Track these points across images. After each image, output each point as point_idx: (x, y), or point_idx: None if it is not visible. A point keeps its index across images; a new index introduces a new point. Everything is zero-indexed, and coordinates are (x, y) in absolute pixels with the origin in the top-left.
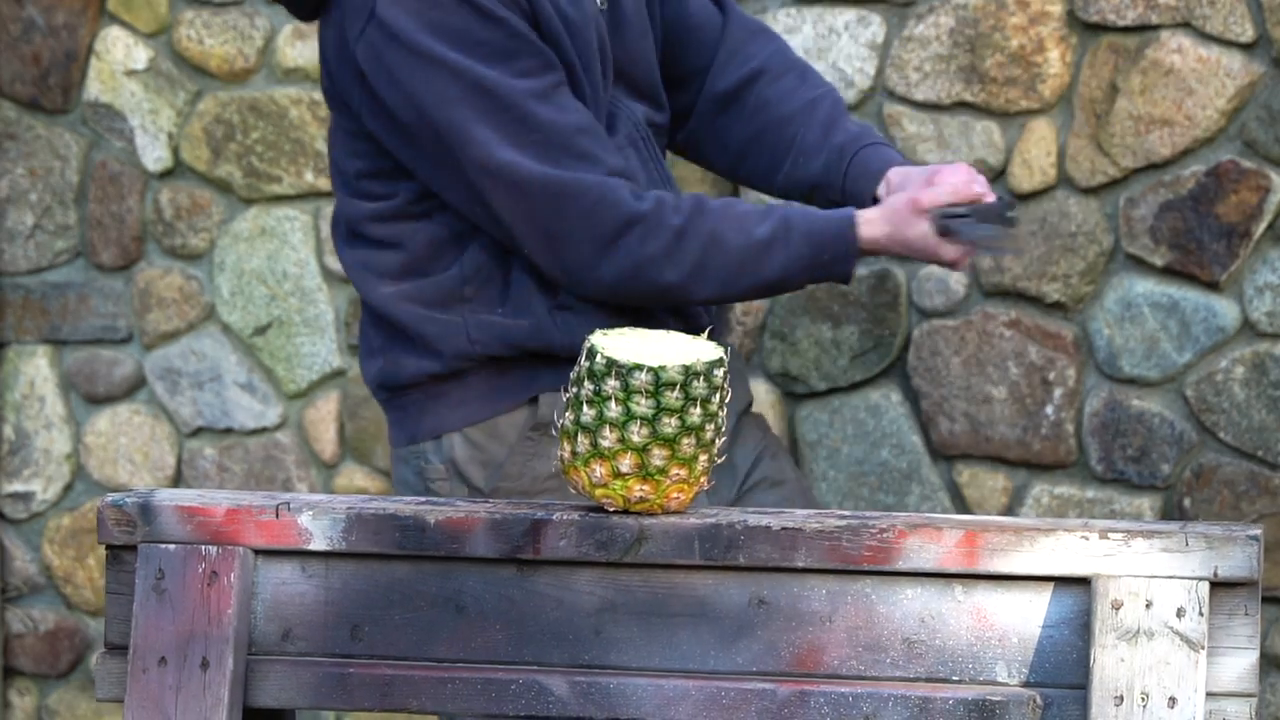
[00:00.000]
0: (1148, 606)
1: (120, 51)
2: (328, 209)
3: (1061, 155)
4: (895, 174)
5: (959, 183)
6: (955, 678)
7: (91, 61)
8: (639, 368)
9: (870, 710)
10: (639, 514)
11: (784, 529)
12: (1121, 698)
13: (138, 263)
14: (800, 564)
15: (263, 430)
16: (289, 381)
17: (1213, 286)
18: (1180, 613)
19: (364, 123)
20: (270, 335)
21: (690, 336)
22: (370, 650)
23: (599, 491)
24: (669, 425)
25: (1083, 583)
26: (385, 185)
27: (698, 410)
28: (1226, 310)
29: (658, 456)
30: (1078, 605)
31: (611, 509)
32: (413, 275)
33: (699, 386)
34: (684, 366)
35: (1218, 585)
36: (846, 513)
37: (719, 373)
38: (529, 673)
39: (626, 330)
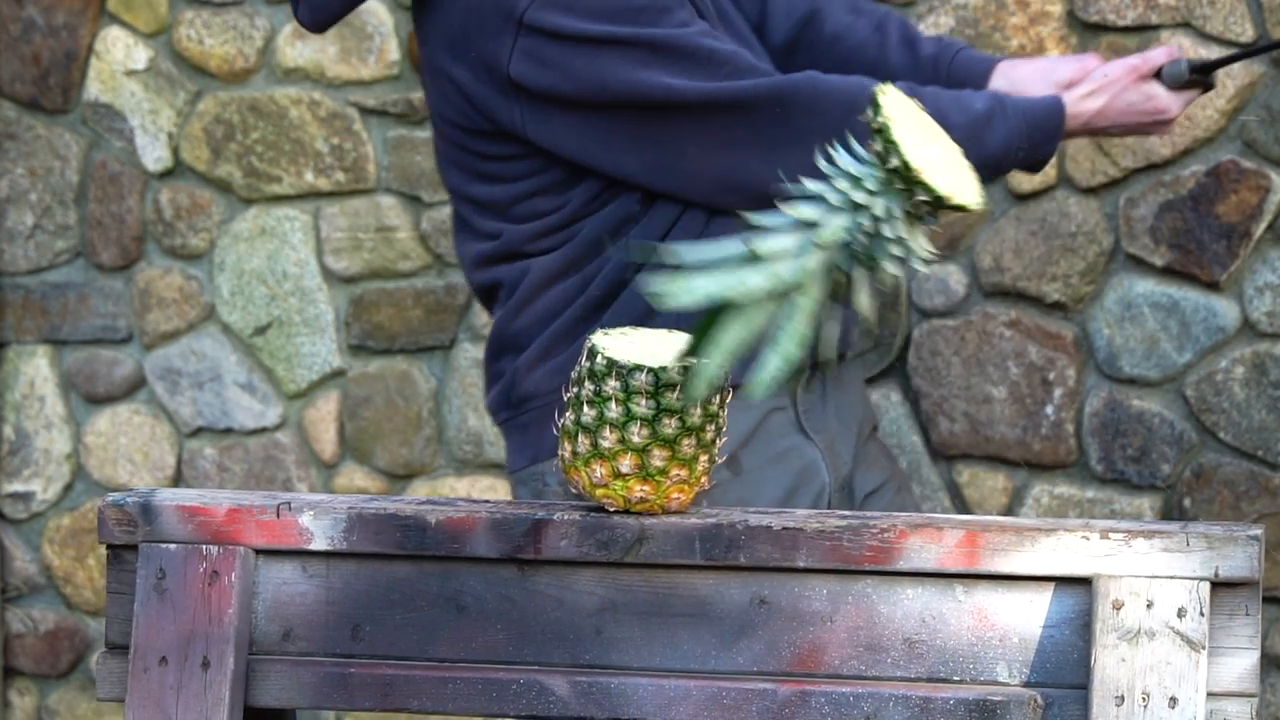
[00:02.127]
0: (1149, 606)
1: (120, 51)
2: (328, 209)
3: (1062, 155)
4: (1013, 67)
5: (1158, 49)
6: (956, 678)
7: (91, 61)
8: (639, 368)
9: (871, 710)
10: (640, 514)
11: (785, 529)
12: (1122, 698)
13: (138, 263)
14: (801, 564)
15: (263, 430)
16: (289, 381)
17: (1213, 286)
18: (1181, 613)
19: (528, 139)
20: (270, 335)
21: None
22: (371, 650)
23: (599, 492)
24: (669, 426)
25: (1084, 583)
26: (553, 199)
27: (698, 411)
28: (1226, 310)
29: (658, 457)
30: (1079, 605)
31: (612, 509)
32: (574, 269)
33: None
34: (685, 367)
35: (1219, 585)
36: (847, 513)
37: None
38: (530, 673)
39: (629, 330)
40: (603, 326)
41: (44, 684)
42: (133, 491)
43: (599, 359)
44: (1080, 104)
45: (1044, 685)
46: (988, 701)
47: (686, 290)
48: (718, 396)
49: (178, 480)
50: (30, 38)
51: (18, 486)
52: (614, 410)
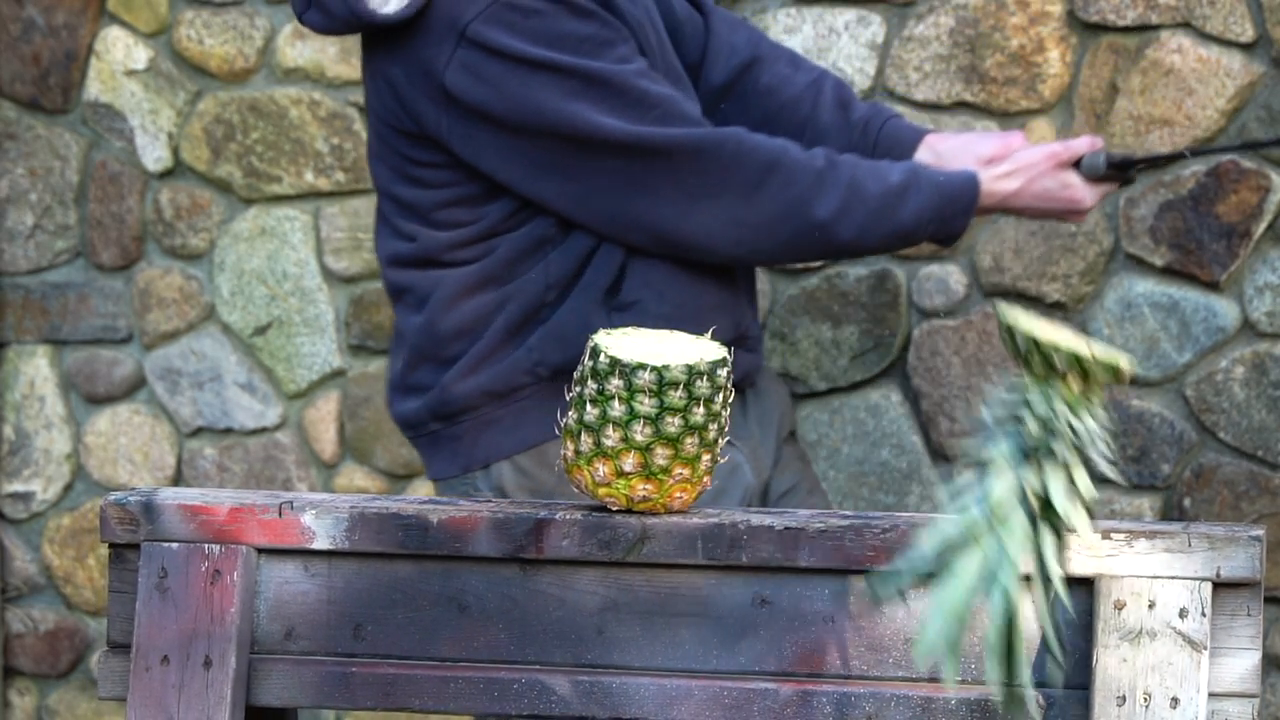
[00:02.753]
0: (1150, 607)
1: (120, 51)
2: (328, 209)
3: None
4: (940, 140)
5: (1081, 138)
6: (958, 677)
7: (91, 61)
8: (642, 367)
9: (873, 710)
10: (642, 513)
11: (786, 529)
12: (1124, 698)
13: (138, 263)
14: (803, 563)
15: (263, 430)
16: (289, 381)
17: (1213, 286)
18: (1183, 613)
19: (452, 150)
20: (270, 335)
21: (694, 337)
22: (373, 649)
23: (602, 490)
24: (672, 425)
25: (1085, 583)
26: (470, 211)
27: (701, 409)
28: (1226, 310)
29: (661, 456)
30: (1081, 605)
31: (615, 508)
32: (492, 284)
33: (702, 386)
34: (687, 366)
35: (1220, 586)
36: (849, 512)
37: (722, 372)
38: (531, 672)
39: (630, 330)
40: (528, 346)
41: (44, 684)
42: (135, 490)
43: (602, 358)
44: (996, 183)
45: (1046, 685)
46: (989, 701)
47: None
48: (721, 396)
49: (178, 480)
50: (30, 38)
51: (18, 486)
52: (617, 408)
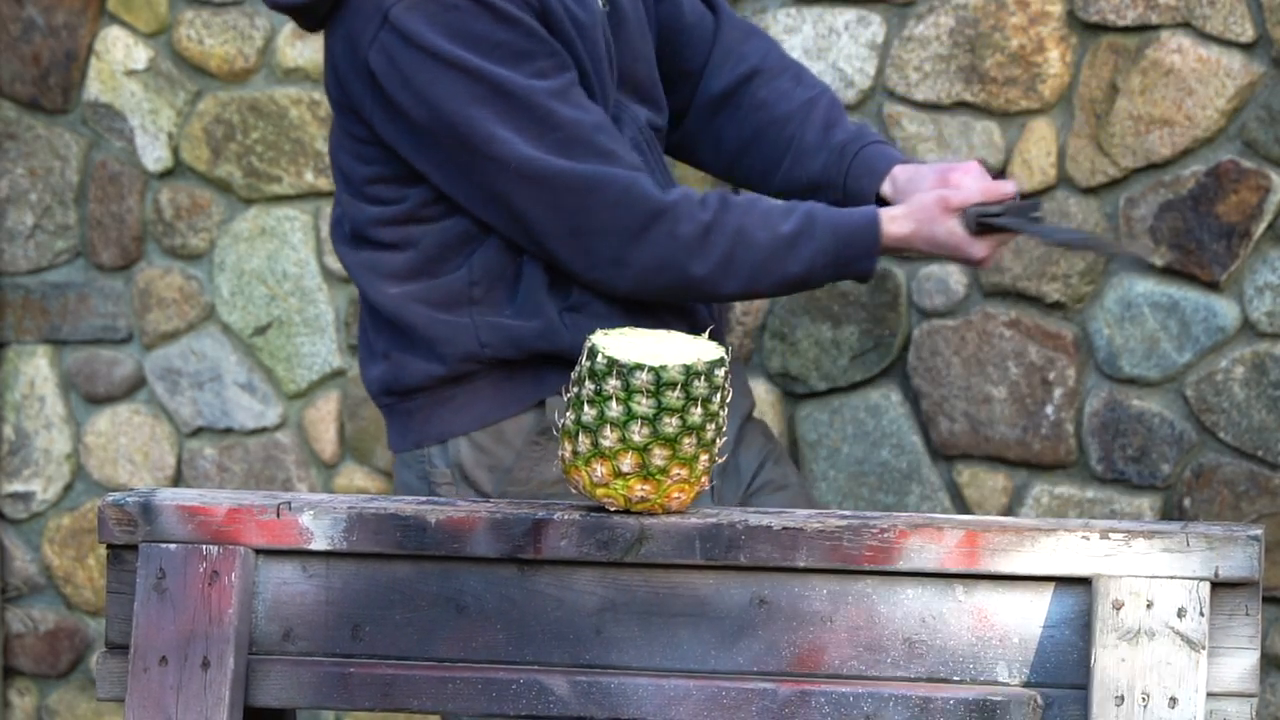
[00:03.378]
0: (1149, 606)
1: (120, 51)
2: (328, 209)
3: (1061, 155)
4: (901, 171)
5: (989, 184)
6: (956, 678)
7: (91, 61)
8: (640, 367)
9: (871, 710)
10: (640, 514)
11: (785, 529)
12: (1122, 698)
13: (138, 263)
14: (801, 564)
15: (263, 430)
16: (289, 381)
17: (1213, 286)
18: (1181, 613)
19: (375, 129)
20: (270, 335)
21: (691, 336)
22: (371, 650)
23: (600, 491)
24: (670, 425)
25: (1084, 583)
26: (395, 190)
27: (699, 410)
28: (1226, 310)
29: (659, 456)
30: (1079, 605)
31: (613, 509)
32: (420, 276)
33: (700, 386)
34: (685, 366)
35: (1219, 585)
36: (847, 513)
37: (720, 372)
38: (530, 672)
39: (628, 330)
40: (480, 341)
41: (44, 684)
42: (133, 491)
43: (599, 358)
44: (890, 225)
45: (1044, 685)
46: (988, 701)
47: None
48: (718, 396)
49: (178, 480)
50: (30, 38)
51: (18, 486)
52: (615, 409)
